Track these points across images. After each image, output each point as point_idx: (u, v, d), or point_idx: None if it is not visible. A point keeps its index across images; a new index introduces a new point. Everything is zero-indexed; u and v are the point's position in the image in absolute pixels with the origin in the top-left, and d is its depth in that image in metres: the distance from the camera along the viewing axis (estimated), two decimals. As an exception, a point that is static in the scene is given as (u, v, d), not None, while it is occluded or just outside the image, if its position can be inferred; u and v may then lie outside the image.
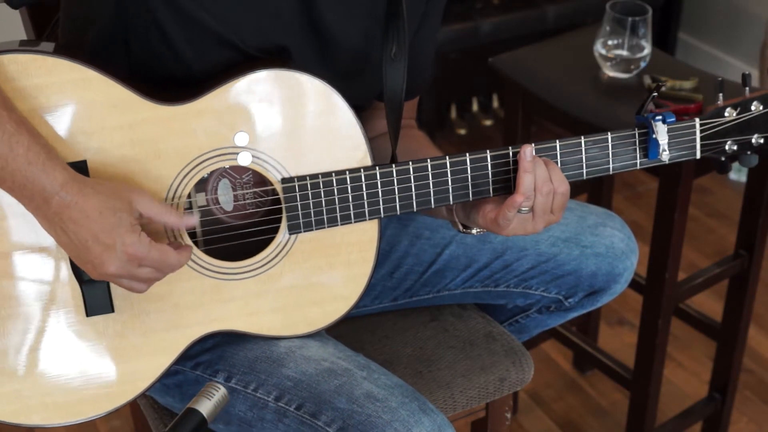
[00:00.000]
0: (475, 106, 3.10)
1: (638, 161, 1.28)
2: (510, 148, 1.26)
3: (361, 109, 1.36)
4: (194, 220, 1.17)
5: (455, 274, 1.50)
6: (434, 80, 1.53)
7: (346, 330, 1.50)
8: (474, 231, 1.34)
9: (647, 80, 1.81)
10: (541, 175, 1.22)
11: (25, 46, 1.16)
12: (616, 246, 1.48)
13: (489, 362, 1.47)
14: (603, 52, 1.84)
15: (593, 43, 1.85)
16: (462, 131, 3.08)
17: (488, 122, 3.07)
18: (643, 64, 1.84)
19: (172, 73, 1.21)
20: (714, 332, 2.08)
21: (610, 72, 1.86)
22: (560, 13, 2.90)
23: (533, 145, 1.24)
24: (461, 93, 3.09)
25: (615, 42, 1.83)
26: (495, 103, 3.09)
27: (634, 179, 3.01)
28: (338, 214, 1.24)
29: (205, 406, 1.00)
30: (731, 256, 1.97)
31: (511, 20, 2.85)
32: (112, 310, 1.21)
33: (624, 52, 1.84)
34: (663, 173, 1.73)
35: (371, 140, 1.44)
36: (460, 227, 1.34)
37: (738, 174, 3.00)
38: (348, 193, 1.23)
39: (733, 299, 2.01)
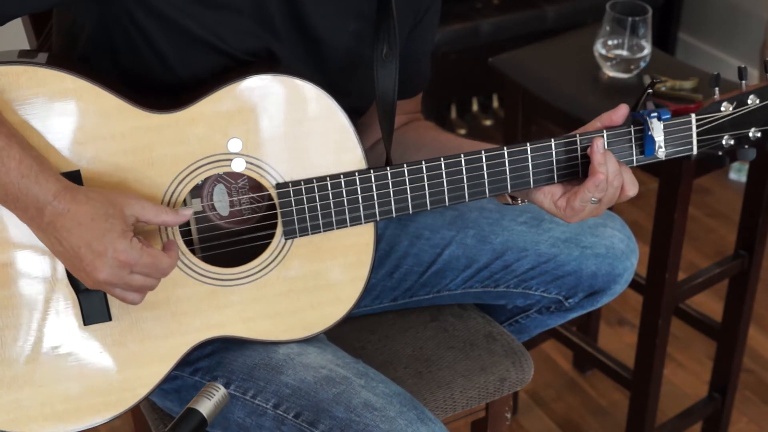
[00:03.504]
0: (475, 106, 3.09)
1: (634, 158, 1.28)
2: (505, 148, 1.25)
3: (359, 111, 1.36)
4: (189, 212, 1.16)
5: (455, 274, 1.49)
6: (434, 80, 1.53)
7: (346, 330, 1.50)
8: (519, 202, 1.34)
9: (647, 80, 1.81)
10: (613, 168, 1.23)
11: (22, 57, 1.16)
12: (616, 246, 1.47)
13: (489, 362, 1.47)
14: (603, 52, 1.83)
15: (593, 43, 1.85)
16: (462, 131, 3.07)
17: (488, 122, 3.06)
18: (643, 64, 1.83)
19: (162, 79, 1.21)
20: (714, 332, 2.08)
21: (610, 72, 1.85)
22: (560, 13, 2.89)
23: (604, 134, 1.25)
24: (461, 93, 3.08)
25: (615, 42, 1.83)
26: (495, 103, 3.08)
27: (634, 179, 3.00)
28: (334, 219, 1.23)
29: (205, 406, 1.00)
30: (731, 256, 1.97)
31: (511, 20, 2.85)
32: (110, 319, 1.21)
33: (624, 52, 1.83)
34: (663, 173, 1.73)
35: (375, 143, 1.44)
36: (509, 199, 1.34)
37: (738, 174, 2.99)
38: (343, 197, 1.23)
39: (733, 299, 2.01)
